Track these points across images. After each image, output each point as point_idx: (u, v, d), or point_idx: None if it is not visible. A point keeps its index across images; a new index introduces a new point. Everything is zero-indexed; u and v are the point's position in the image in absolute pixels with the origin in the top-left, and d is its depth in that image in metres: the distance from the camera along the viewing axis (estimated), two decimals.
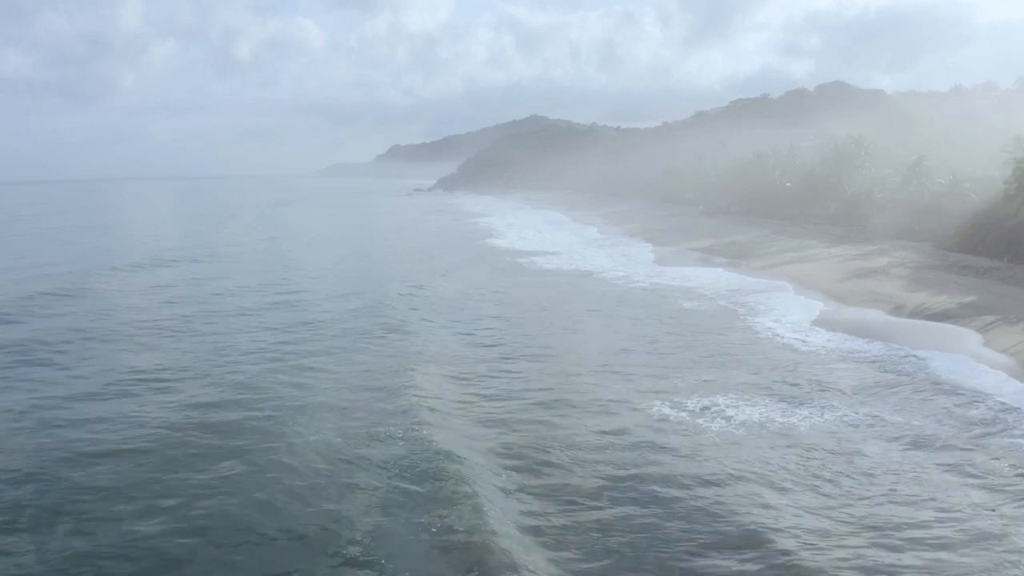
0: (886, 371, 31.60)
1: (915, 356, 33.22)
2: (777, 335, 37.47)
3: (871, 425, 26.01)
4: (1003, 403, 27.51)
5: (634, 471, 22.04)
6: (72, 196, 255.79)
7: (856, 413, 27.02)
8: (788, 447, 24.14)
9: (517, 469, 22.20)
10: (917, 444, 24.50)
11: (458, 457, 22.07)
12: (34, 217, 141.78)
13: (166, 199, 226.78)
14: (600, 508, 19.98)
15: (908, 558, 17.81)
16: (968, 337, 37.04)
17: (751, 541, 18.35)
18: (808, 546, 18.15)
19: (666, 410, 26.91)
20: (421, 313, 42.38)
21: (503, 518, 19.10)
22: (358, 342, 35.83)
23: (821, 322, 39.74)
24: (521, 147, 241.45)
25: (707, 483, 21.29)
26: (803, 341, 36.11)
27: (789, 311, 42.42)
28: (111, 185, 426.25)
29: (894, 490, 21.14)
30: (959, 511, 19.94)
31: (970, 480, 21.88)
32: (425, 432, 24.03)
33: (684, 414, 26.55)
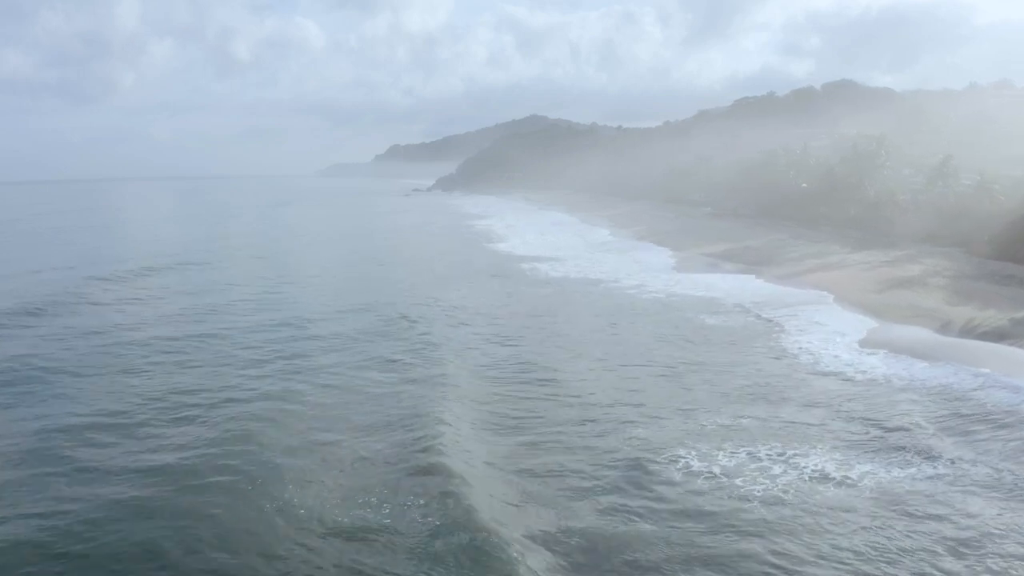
0: (960, 404, 26.59)
1: (992, 383, 28.20)
2: (820, 359, 32.40)
3: (954, 482, 20.97)
4: None
5: (654, 558, 17.17)
6: (72, 196, 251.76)
7: (934, 466, 21.98)
8: (850, 512, 19.17)
9: (526, 553, 17.30)
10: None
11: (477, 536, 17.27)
12: (33, 218, 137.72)
13: (166, 199, 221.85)
14: None
15: None
16: None
17: None
18: None
19: (693, 464, 21.80)
20: (421, 336, 36.96)
21: None
22: (363, 371, 30.72)
23: (869, 342, 34.67)
24: (521, 147, 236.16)
25: None
26: (853, 366, 31.03)
27: (829, 328, 37.23)
28: (111, 185, 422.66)
29: None
30: None
31: None
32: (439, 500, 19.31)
33: (716, 469, 21.41)
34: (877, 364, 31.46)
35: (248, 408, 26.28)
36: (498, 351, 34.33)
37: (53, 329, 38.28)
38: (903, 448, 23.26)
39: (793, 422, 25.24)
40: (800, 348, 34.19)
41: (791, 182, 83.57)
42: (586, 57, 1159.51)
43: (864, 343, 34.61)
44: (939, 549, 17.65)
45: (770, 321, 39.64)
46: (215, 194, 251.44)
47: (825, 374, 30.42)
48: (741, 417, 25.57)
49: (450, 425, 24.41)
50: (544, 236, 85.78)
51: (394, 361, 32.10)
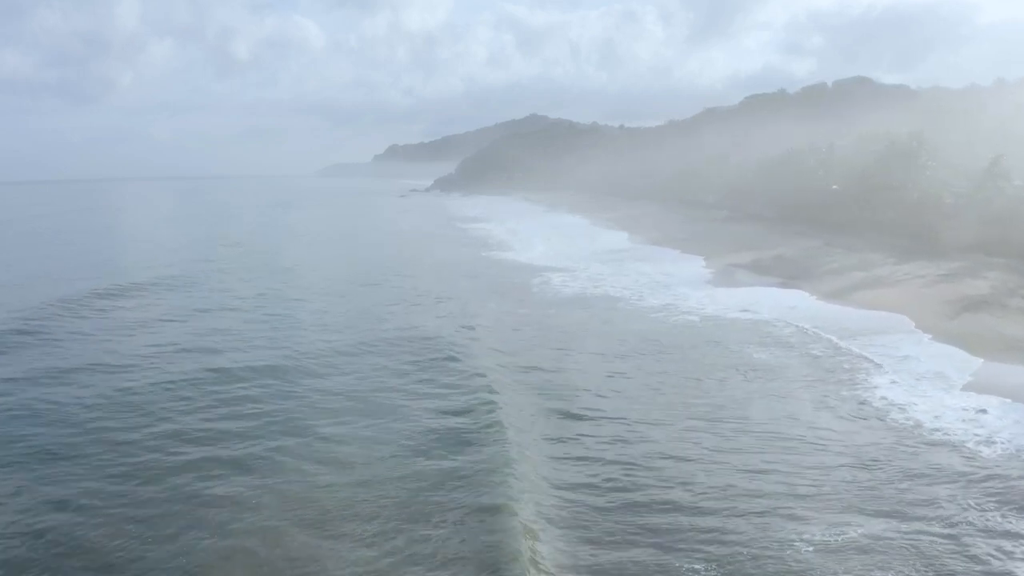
0: None
1: None
2: (921, 416, 24.66)
3: None
4: None
5: None
6: (71, 197, 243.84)
7: None
8: None
9: None
10: None
11: None
12: (31, 219, 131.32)
13: (165, 200, 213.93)
14: None
15: None
16: None
17: None
18: None
19: None
20: (422, 396, 29.42)
21: None
22: (376, 442, 22.76)
23: (976, 387, 26.90)
24: (521, 146, 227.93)
25: None
26: (971, 429, 23.21)
27: (919, 367, 29.34)
28: (111, 185, 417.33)
29: None
30: None
31: None
32: None
33: None
34: (999, 424, 23.72)
35: (221, 516, 18.21)
36: (508, 406, 26.51)
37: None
38: None
39: (920, 535, 17.40)
40: (885, 400, 26.34)
41: (819, 183, 75.64)
42: (586, 56, 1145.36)
43: (970, 389, 26.85)
44: None
45: (833, 355, 31.88)
46: (214, 195, 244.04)
47: (939, 444, 22.58)
48: (843, 526, 17.75)
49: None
50: (551, 242, 77.90)
51: (405, 424, 24.25)
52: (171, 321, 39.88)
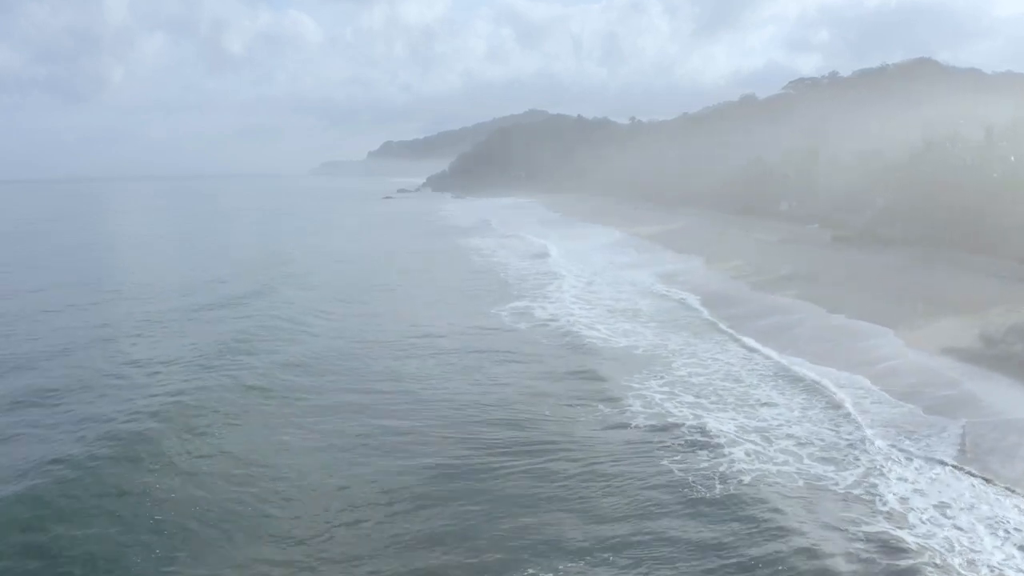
0: None
1: None
2: None
3: None
4: None
5: None
6: (71, 198, 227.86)
7: None
8: None
9: None
10: None
11: None
12: (38, 223, 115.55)
13: (164, 204, 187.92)
14: None
15: None
16: None
17: None
18: None
19: None
20: None
21: None
22: None
23: None
24: (523, 141, 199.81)
25: None
26: None
27: None
28: (103, 185, 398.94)
29: None
30: None
31: None
32: None
33: None
34: None
35: None
36: None
37: None
38: None
39: None
40: None
41: (990, 192, 49.06)
42: (588, 51, 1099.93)
43: None
44: None
45: None
46: (214, 197, 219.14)
47: None
48: None
49: None
50: (590, 278, 51.16)
51: None
52: None
